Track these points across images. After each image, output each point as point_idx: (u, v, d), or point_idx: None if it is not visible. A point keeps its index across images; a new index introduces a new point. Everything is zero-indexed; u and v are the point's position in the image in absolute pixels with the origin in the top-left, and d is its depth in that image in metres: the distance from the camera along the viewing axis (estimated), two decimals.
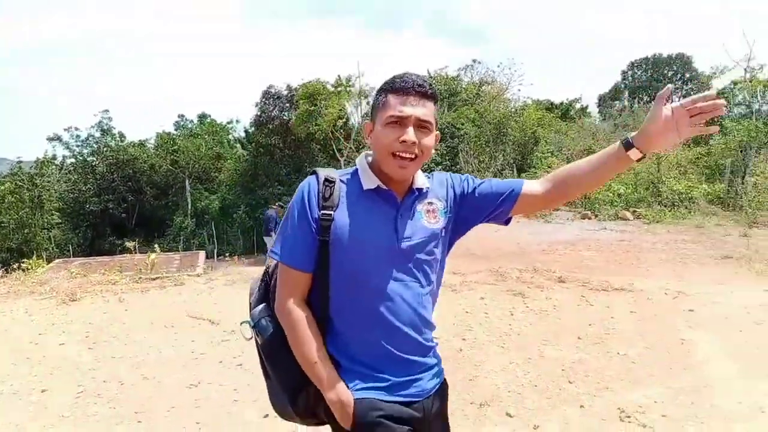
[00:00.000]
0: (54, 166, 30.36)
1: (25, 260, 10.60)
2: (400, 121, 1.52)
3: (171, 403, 4.07)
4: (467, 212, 1.73)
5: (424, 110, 1.54)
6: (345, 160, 23.16)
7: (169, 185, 30.84)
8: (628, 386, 4.23)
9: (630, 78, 47.25)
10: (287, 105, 25.87)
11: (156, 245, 13.40)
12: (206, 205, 28.73)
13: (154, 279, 8.35)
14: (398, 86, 1.54)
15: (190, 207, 28.58)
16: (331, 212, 1.53)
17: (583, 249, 11.59)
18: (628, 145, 1.58)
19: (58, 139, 30.87)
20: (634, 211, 16.48)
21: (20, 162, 28.06)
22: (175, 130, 35.15)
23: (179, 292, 7.39)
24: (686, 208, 16.45)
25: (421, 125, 1.54)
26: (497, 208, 1.72)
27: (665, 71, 44.75)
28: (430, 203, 1.65)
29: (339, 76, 22.76)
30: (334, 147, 23.40)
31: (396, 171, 1.54)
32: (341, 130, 22.87)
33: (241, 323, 1.71)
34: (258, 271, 1.90)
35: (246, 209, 26.52)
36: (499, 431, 3.55)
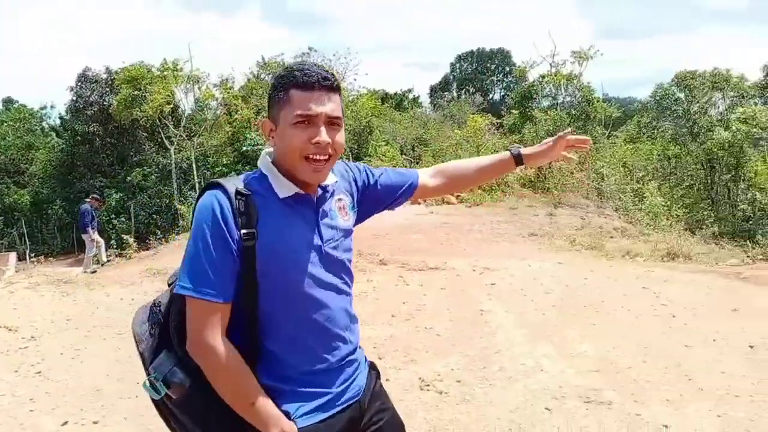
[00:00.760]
0: None
1: None
2: (310, 120, 1.38)
3: None
4: (368, 205, 1.70)
5: (333, 105, 1.41)
6: (176, 148, 22.01)
7: None
8: (431, 357, 4.56)
9: (458, 70, 50.34)
10: (107, 90, 23.88)
11: None
12: (15, 200, 25.69)
13: None
14: (302, 80, 1.38)
15: None
16: (253, 230, 1.36)
17: (411, 232, 12.17)
18: (519, 161, 1.83)
19: None
20: (458, 196, 17.65)
21: None
22: None
23: None
24: (503, 191, 17.98)
25: (332, 122, 1.42)
26: (395, 200, 1.75)
27: (488, 64, 48.34)
28: (340, 200, 1.58)
29: (165, 59, 21.51)
30: (162, 135, 22.11)
31: (311, 176, 1.41)
32: (170, 117, 21.67)
33: (145, 383, 1.40)
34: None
35: (63, 204, 24.14)
36: None
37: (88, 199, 12.74)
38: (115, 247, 16.10)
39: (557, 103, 21.11)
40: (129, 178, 22.43)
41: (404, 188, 1.75)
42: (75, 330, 5.66)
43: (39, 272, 8.96)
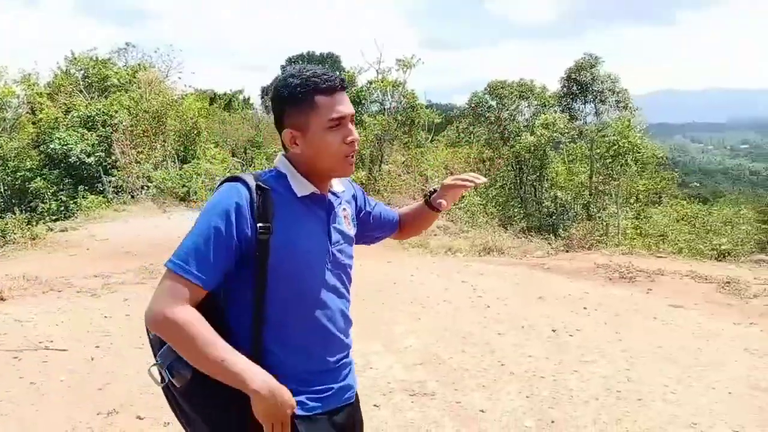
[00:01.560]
0: None
1: None
2: (341, 121, 1.43)
3: None
4: (359, 230, 1.72)
5: (351, 105, 1.47)
6: None
7: None
8: None
9: None
10: None
11: None
12: None
13: None
14: (324, 86, 1.41)
15: None
16: (269, 224, 1.38)
17: None
18: (432, 208, 1.88)
19: None
20: None
21: None
22: None
23: None
24: None
25: (353, 120, 1.47)
26: (378, 235, 1.87)
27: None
28: (345, 209, 1.61)
29: None
30: None
31: (348, 170, 1.49)
32: None
33: (150, 370, 1.41)
34: None
35: None
36: None
37: None
38: None
39: (384, 109, 21.95)
40: None
41: (390, 225, 1.89)
42: None
43: None
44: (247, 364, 1.32)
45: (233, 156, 22.23)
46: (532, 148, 20.95)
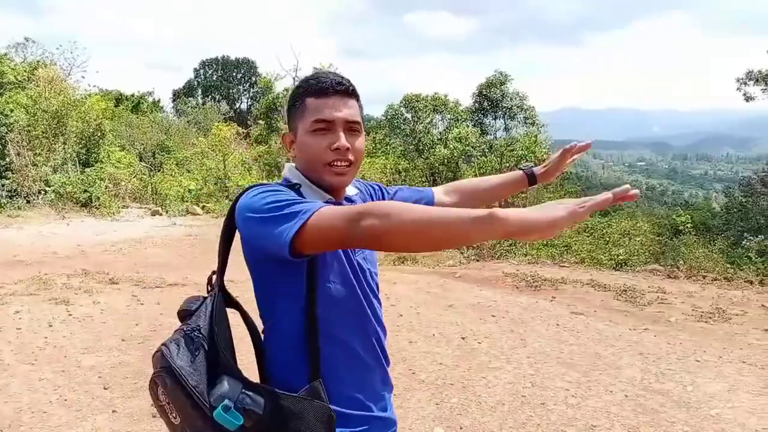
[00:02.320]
0: None
1: None
2: (328, 126, 1.31)
3: None
4: None
5: (350, 110, 1.33)
6: None
7: None
8: None
9: (202, 76, 48.75)
10: None
11: None
12: None
13: None
14: (315, 87, 1.32)
15: None
16: None
17: (149, 246, 11.38)
18: (532, 181, 1.81)
19: None
20: (204, 206, 17.08)
21: None
22: None
23: None
24: None
25: (351, 127, 1.33)
26: None
27: (234, 73, 47.77)
28: None
29: None
30: None
31: (335, 179, 1.33)
32: None
33: (218, 413, 1.12)
34: None
35: None
36: None
37: None
38: None
39: None
40: None
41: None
42: None
43: None
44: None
45: (140, 160, 21.25)
46: (446, 161, 21.47)
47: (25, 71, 21.82)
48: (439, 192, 1.81)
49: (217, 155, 19.89)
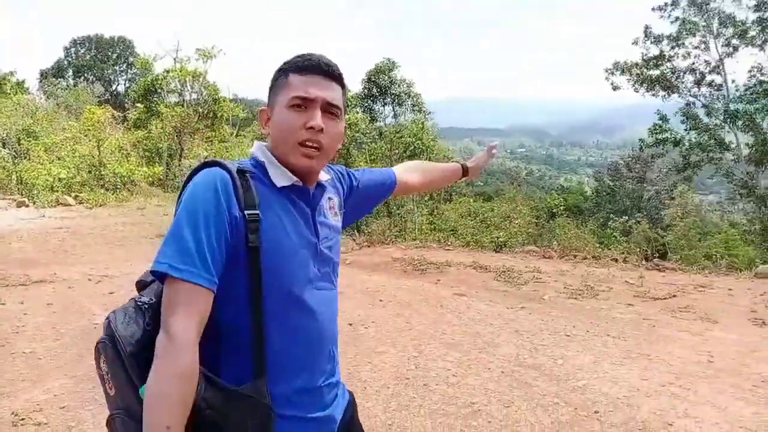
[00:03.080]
0: None
1: None
2: (306, 104, 1.26)
3: None
4: (354, 207, 1.60)
5: (332, 93, 1.29)
6: None
7: None
8: (29, 386, 3.95)
9: (73, 55, 45.17)
10: None
11: None
12: None
13: None
14: (301, 65, 1.29)
15: None
16: (257, 211, 1.19)
17: (13, 240, 10.41)
18: (464, 173, 2.00)
19: None
20: (77, 196, 15.87)
21: None
22: None
23: None
24: (129, 190, 16.90)
25: (330, 110, 1.29)
26: (376, 201, 1.72)
27: (109, 52, 44.66)
28: (330, 198, 1.44)
29: None
30: None
31: (301, 161, 1.27)
32: None
33: (143, 390, 1.07)
34: None
35: None
36: None
37: None
38: None
39: (184, 100, 20.80)
40: None
41: (385, 187, 1.73)
42: None
43: None
44: None
45: (4, 147, 19.35)
46: None
47: None
48: (400, 171, 1.81)
49: (90, 141, 18.51)
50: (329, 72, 1.31)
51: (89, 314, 5.45)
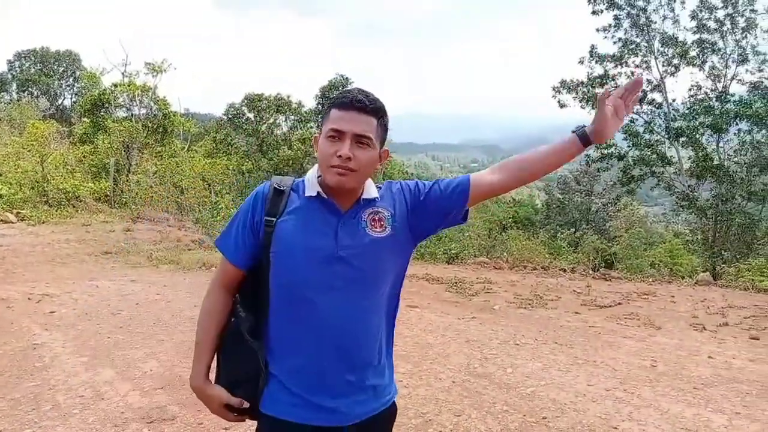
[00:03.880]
0: None
1: None
2: (339, 136, 1.51)
3: None
4: (421, 219, 1.65)
5: (363, 126, 1.52)
6: None
7: None
8: None
9: (18, 69, 43.64)
10: None
11: None
12: None
13: None
14: (339, 102, 1.55)
15: None
16: (274, 219, 1.55)
17: None
18: (586, 141, 1.62)
19: None
20: (18, 213, 15.26)
21: None
22: None
23: None
24: (73, 206, 16.35)
25: (359, 140, 1.51)
26: (451, 210, 1.66)
27: (55, 66, 43.33)
28: (377, 212, 1.59)
29: None
30: None
31: (333, 179, 1.51)
32: None
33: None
34: None
35: None
36: None
37: None
38: None
39: (132, 114, 20.32)
40: None
41: (455, 194, 1.64)
42: None
43: None
44: (201, 364, 1.60)
45: None
46: (290, 162, 21.30)
47: None
48: (482, 173, 1.72)
49: (33, 156, 17.85)
50: (362, 107, 1.53)
51: (29, 334, 5.23)
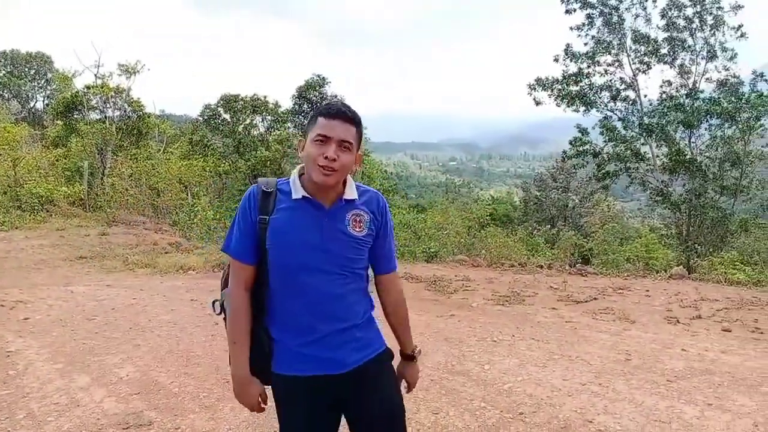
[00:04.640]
0: None
1: None
2: (325, 140, 1.76)
3: None
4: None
5: (346, 133, 1.78)
6: None
7: None
8: None
9: None
10: None
11: None
12: None
13: None
14: (326, 111, 1.80)
15: None
16: (266, 217, 1.80)
17: None
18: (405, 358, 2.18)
19: None
20: None
21: None
22: None
23: None
24: (47, 211, 16.07)
25: (343, 145, 1.77)
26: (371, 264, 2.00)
27: (26, 68, 42.52)
28: (358, 214, 1.87)
29: None
30: None
31: (319, 177, 1.75)
32: None
33: (213, 301, 1.95)
34: None
35: None
36: None
37: None
38: None
39: (106, 117, 20.03)
40: None
41: (376, 268, 2.01)
42: None
43: None
44: (242, 357, 1.84)
45: None
46: (268, 162, 21.19)
47: None
48: (390, 279, 2.06)
49: (5, 160, 17.52)
50: (345, 117, 1.79)
51: (2, 341, 5.13)
